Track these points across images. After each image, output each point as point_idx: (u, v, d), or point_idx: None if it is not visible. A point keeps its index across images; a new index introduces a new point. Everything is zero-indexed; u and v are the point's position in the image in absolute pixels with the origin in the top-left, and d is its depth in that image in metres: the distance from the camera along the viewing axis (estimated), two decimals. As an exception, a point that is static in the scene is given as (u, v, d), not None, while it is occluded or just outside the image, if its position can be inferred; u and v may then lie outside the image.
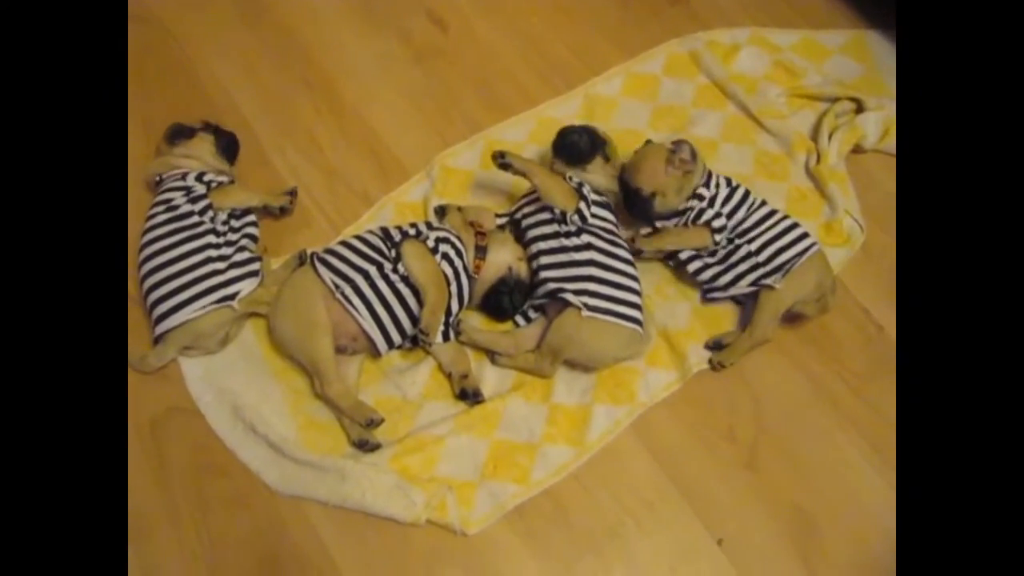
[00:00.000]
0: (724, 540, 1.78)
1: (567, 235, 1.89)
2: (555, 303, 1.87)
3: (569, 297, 1.82)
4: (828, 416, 1.93)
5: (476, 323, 1.97)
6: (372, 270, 1.83)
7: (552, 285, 1.86)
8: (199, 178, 1.97)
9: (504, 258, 1.93)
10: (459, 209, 2.07)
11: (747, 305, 1.99)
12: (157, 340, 1.85)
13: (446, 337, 1.89)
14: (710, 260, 1.98)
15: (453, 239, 1.90)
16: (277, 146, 2.27)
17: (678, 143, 1.92)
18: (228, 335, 1.91)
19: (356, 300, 1.81)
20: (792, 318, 1.98)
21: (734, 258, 1.95)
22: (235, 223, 1.96)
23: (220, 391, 1.88)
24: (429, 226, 1.95)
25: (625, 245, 1.94)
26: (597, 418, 1.87)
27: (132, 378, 1.88)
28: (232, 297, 1.84)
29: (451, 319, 1.90)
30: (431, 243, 1.87)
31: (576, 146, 2.01)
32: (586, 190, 1.94)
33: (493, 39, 2.50)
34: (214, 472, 1.81)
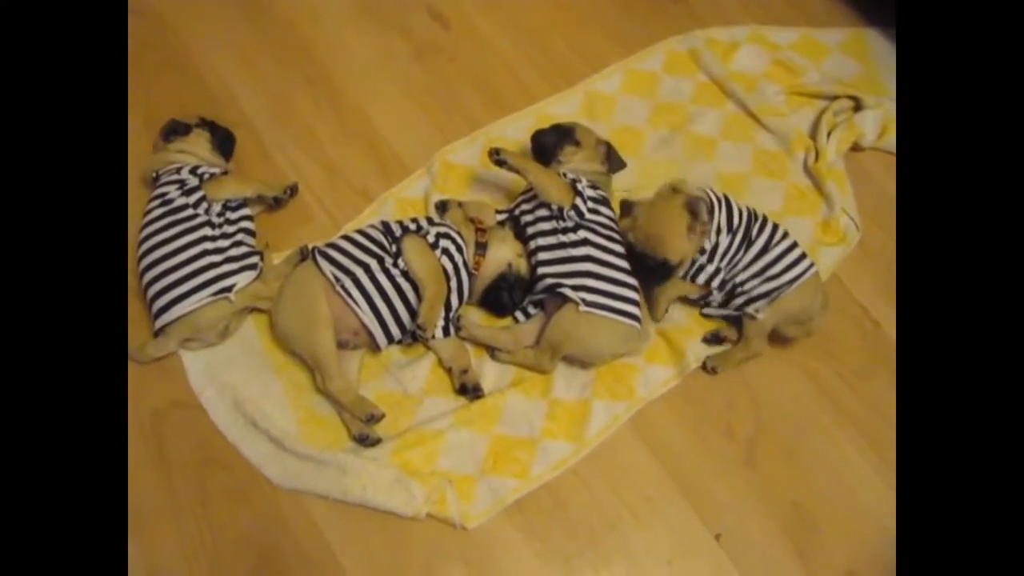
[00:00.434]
0: (722, 535, 1.80)
1: (564, 231, 1.89)
2: (553, 298, 1.89)
3: (567, 292, 1.83)
4: (826, 413, 1.95)
5: (476, 319, 1.98)
6: (373, 263, 1.84)
7: (550, 280, 1.87)
8: (193, 171, 1.98)
9: (504, 254, 1.94)
10: (460, 205, 2.08)
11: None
12: (158, 334, 1.86)
13: (446, 332, 1.90)
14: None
15: (454, 235, 1.91)
16: (277, 141, 2.27)
17: (694, 203, 1.85)
18: (228, 328, 1.92)
19: (356, 293, 1.81)
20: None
21: (729, 287, 1.94)
22: (231, 215, 1.96)
23: (221, 386, 1.88)
24: (430, 221, 1.96)
25: (623, 241, 1.94)
26: (596, 413, 1.89)
27: (134, 372, 1.89)
28: (229, 290, 1.84)
29: (451, 314, 1.90)
30: (431, 238, 1.87)
31: (539, 142, 2.08)
32: (581, 186, 1.94)
33: (494, 36, 2.51)
34: (215, 466, 1.82)
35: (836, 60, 2.49)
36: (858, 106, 2.35)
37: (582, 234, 1.89)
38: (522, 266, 1.95)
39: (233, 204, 1.98)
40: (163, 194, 1.94)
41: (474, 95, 2.39)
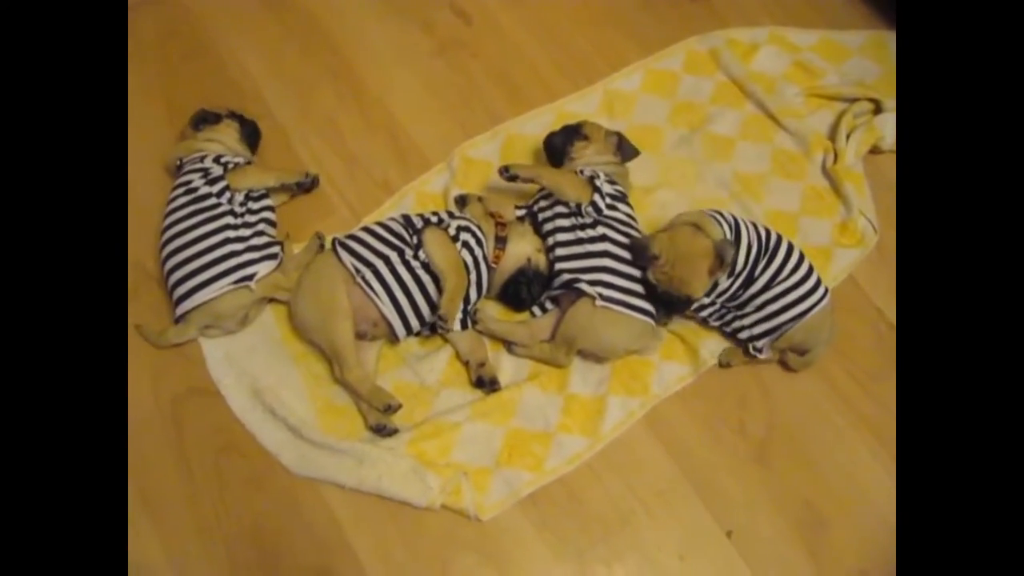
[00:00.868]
0: (733, 532, 1.81)
1: (583, 227, 1.91)
2: (570, 293, 1.90)
3: (584, 287, 1.84)
4: (839, 413, 1.95)
5: (493, 312, 2.00)
6: (393, 256, 1.86)
7: (567, 276, 1.88)
8: (217, 160, 2.00)
9: (523, 249, 1.95)
10: (480, 199, 2.09)
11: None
12: (178, 321, 1.89)
13: (464, 325, 1.92)
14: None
15: (474, 228, 1.93)
16: (300, 133, 2.29)
17: (724, 250, 1.79)
18: (248, 316, 1.93)
19: (376, 284, 1.83)
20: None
21: (728, 318, 1.95)
22: (253, 205, 1.98)
23: (240, 374, 1.90)
24: (451, 215, 1.97)
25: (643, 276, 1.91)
26: (611, 409, 1.90)
27: (154, 358, 1.91)
28: (250, 278, 1.86)
29: (469, 307, 1.92)
30: (452, 231, 1.89)
31: (549, 144, 2.12)
32: (599, 182, 1.95)
33: (516, 33, 2.52)
34: (233, 452, 1.84)
35: (856, 63, 2.49)
36: (878, 109, 2.34)
37: (600, 230, 1.90)
38: (541, 261, 1.96)
39: (255, 194, 2.00)
40: (187, 182, 1.96)
41: (495, 91, 2.40)
